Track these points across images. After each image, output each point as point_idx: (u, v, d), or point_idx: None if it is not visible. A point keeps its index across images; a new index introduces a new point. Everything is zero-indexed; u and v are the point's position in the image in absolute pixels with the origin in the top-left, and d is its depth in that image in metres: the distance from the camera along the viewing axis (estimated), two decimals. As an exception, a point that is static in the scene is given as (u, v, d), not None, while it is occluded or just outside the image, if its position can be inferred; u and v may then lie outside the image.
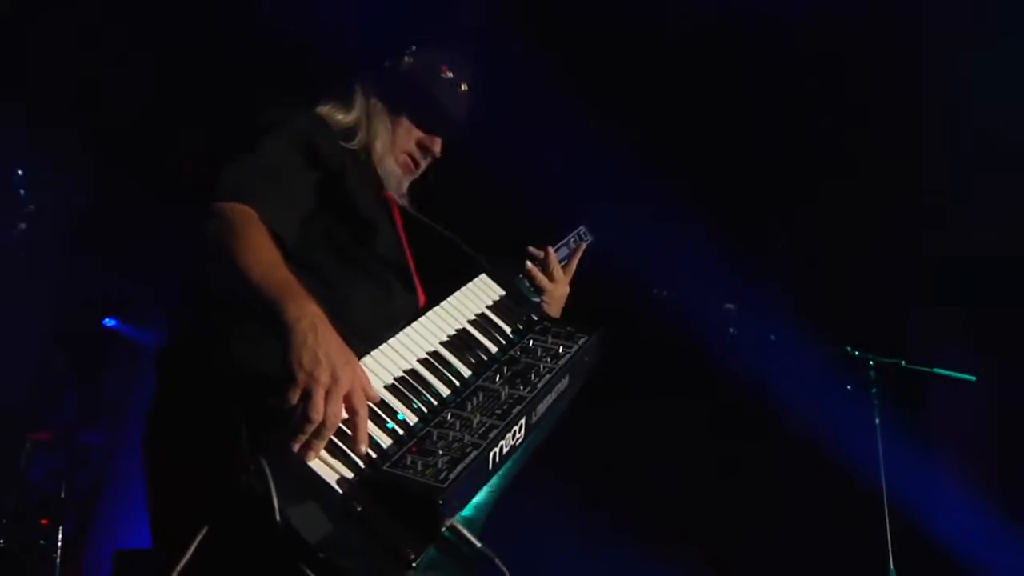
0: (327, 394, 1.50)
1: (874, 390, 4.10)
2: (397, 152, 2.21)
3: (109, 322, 6.04)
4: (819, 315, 4.57)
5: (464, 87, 2.28)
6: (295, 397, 1.49)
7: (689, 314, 4.24)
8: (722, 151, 4.90)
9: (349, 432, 1.56)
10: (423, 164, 2.29)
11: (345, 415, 1.54)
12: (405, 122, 2.22)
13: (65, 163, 5.17)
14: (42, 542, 4.50)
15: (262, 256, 1.67)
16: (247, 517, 1.43)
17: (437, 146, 2.25)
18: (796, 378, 4.49)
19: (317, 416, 1.48)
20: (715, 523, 4.91)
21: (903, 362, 4.15)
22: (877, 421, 4.05)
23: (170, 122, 5.09)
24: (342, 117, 2.17)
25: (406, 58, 2.23)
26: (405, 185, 2.27)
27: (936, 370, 4.13)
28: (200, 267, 1.84)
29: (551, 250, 2.34)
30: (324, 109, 2.17)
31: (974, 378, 4.06)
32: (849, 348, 4.18)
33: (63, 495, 4.69)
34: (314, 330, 1.55)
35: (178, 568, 1.45)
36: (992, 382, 4.34)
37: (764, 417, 4.75)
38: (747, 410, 4.82)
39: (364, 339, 1.84)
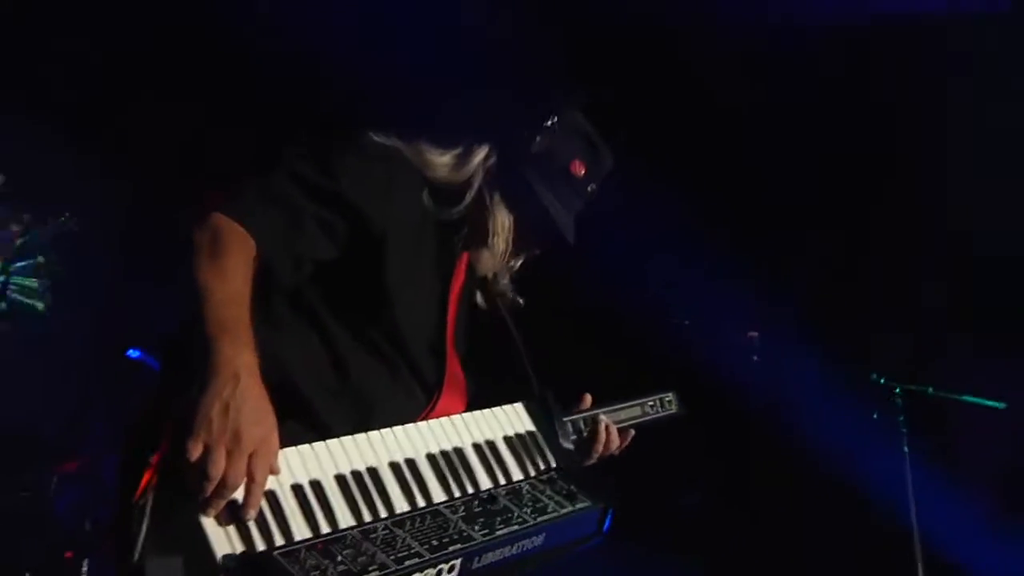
0: (228, 453, 1.40)
1: (901, 418, 4.05)
2: (501, 242, 2.03)
3: (133, 353, 6.07)
4: (844, 343, 4.53)
5: (591, 188, 2.09)
6: (195, 448, 1.39)
7: (712, 343, 4.21)
8: (743, 176, 4.89)
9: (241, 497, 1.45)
10: (516, 258, 2.14)
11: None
12: (517, 218, 2.04)
13: (91, 191, 5.22)
14: None
15: (227, 285, 1.58)
16: (120, 543, 1.39)
17: (537, 251, 2.11)
18: (821, 406, 4.44)
19: (216, 473, 1.39)
20: (739, 554, 4.85)
21: (931, 389, 4.09)
22: (906, 449, 4.00)
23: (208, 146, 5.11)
24: (447, 173, 1.99)
25: (539, 138, 2.01)
26: (501, 272, 2.14)
27: (965, 397, 4.07)
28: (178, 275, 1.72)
29: (612, 426, 2.10)
30: (430, 156, 1.99)
31: (1003, 405, 3.99)
32: (875, 375, 4.14)
33: (88, 527, 4.70)
34: (236, 381, 1.45)
35: None
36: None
37: (789, 446, 4.69)
38: (772, 439, 4.76)
39: (353, 413, 1.77)
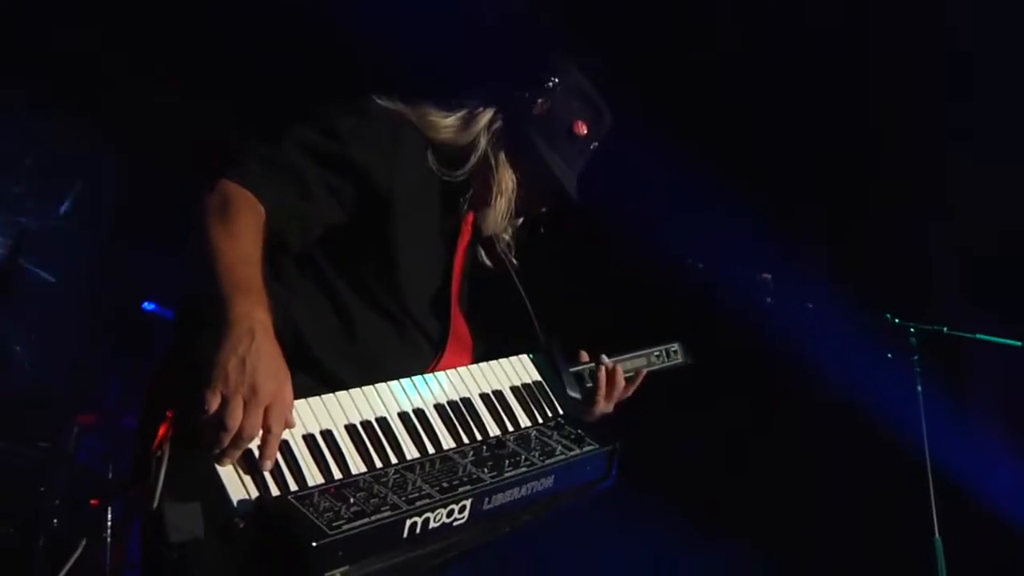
0: (245, 404, 1.44)
1: (916, 357, 4.04)
2: (506, 200, 2.06)
3: (148, 306, 6.11)
4: (858, 283, 4.52)
5: (593, 146, 2.12)
6: (213, 400, 1.44)
7: (724, 285, 4.20)
8: (758, 121, 4.84)
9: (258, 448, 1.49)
10: (519, 217, 2.17)
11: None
12: (521, 176, 2.07)
13: (104, 145, 5.23)
14: (93, 523, 4.59)
15: (238, 246, 1.62)
16: (141, 492, 1.43)
17: (541, 210, 2.13)
18: (835, 347, 4.45)
19: (233, 424, 1.43)
20: (756, 493, 4.90)
21: (945, 329, 4.08)
22: (919, 388, 4.00)
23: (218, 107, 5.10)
24: (452, 135, 2.03)
25: (541, 101, 2.04)
26: (504, 232, 2.16)
27: (980, 336, 4.06)
28: (187, 239, 1.75)
29: (620, 371, 2.14)
30: (434, 118, 2.02)
31: (1020, 343, 3.98)
32: (889, 316, 4.13)
33: (111, 476, 4.78)
34: (251, 336, 1.49)
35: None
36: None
37: (804, 387, 4.71)
38: (786, 380, 4.78)
39: (362, 370, 1.80)
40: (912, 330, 4.08)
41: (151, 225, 5.68)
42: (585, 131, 2.07)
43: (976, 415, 4.62)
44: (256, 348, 1.48)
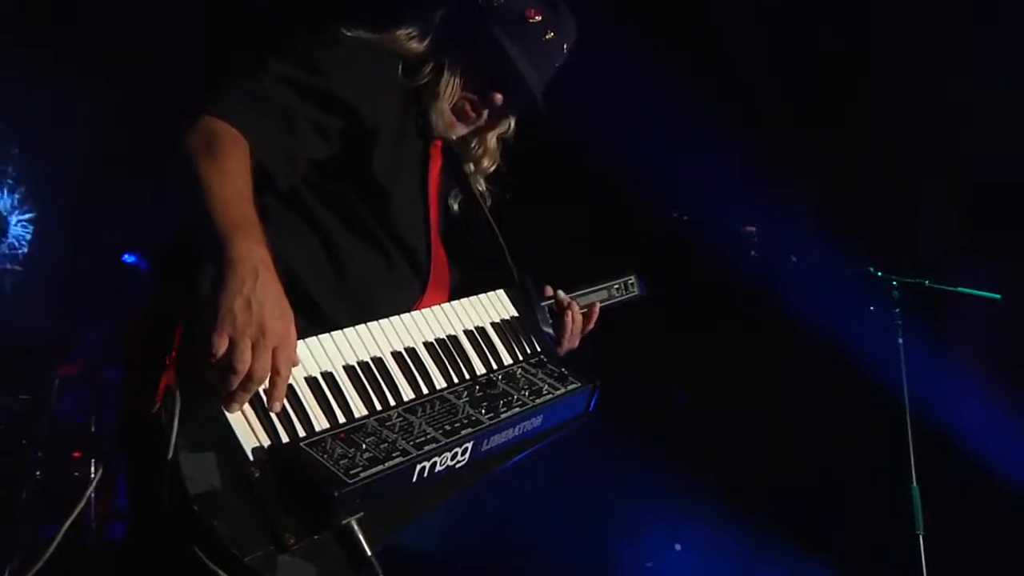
0: (254, 346, 1.41)
1: (897, 310, 4.06)
2: (454, 96, 2.02)
3: (128, 258, 6.05)
4: (841, 236, 4.52)
5: (550, 35, 2.05)
6: (221, 343, 1.40)
7: (709, 237, 4.20)
8: (744, 72, 4.80)
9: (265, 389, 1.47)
10: (480, 118, 2.09)
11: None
12: (473, 66, 2.03)
13: (82, 97, 5.14)
14: (76, 474, 4.59)
15: (230, 183, 1.57)
16: (148, 444, 1.39)
17: (497, 100, 2.05)
18: (818, 299, 4.47)
19: (242, 367, 1.40)
20: (738, 442, 4.95)
21: (927, 282, 4.10)
22: (900, 341, 4.02)
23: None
24: (415, 44, 2.01)
25: None
26: (456, 132, 2.09)
27: (960, 289, 4.08)
28: (169, 179, 1.70)
29: (575, 307, 2.15)
30: (399, 33, 2.01)
31: (1000, 296, 4.00)
32: (872, 268, 4.14)
33: (93, 429, 4.76)
34: (255, 276, 1.45)
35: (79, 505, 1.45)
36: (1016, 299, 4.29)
37: (787, 338, 4.74)
38: (770, 331, 4.81)
39: (353, 306, 1.79)
40: (895, 283, 4.09)
41: (133, 175, 5.62)
42: (538, 17, 2.03)
43: (956, 368, 4.66)
44: (261, 287, 1.44)
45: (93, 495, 4.51)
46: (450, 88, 2.02)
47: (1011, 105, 4.51)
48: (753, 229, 4.17)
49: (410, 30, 2.03)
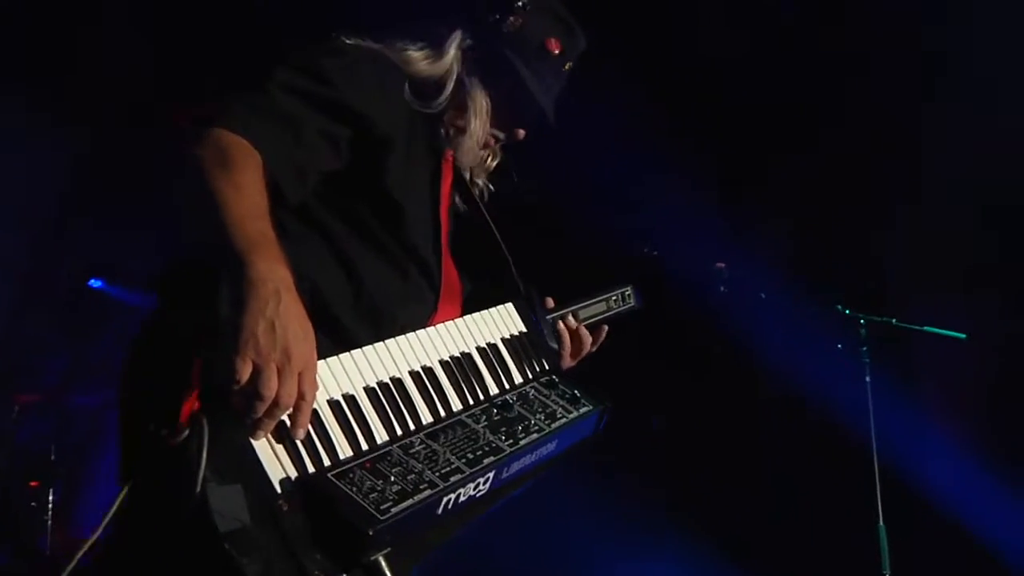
0: (279, 371, 1.36)
1: (865, 348, 4.10)
2: (480, 131, 2.00)
3: (95, 283, 5.97)
4: (810, 273, 4.56)
5: (568, 67, 2.07)
6: (245, 369, 1.34)
7: (679, 273, 4.22)
8: (713, 108, 4.85)
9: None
10: (497, 145, 2.10)
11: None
12: (498, 106, 2.01)
13: (50, 117, 5.07)
14: (33, 504, 4.49)
15: (246, 198, 1.50)
16: (172, 474, 1.33)
17: (519, 135, 2.06)
18: (787, 336, 4.49)
19: (269, 393, 1.34)
20: (705, 481, 4.94)
21: (894, 320, 4.15)
22: (868, 379, 4.06)
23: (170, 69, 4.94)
24: (427, 66, 1.96)
25: (512, 18, 1.99)
26: (477, 160, 2.09)
27: (927, 328, 4.13)
28: (177, 195, 1.62)
29: (582, 329, 2.15)
30: (408, 52, 1.95)
31: (965, 336, 4.05)
32: (840, 306, 4.18)
33: (53, 457, 4.68)
34: (277, 297, 1.38)
35: (98, 531, 1.37)
36: (984, 337, 4.34)
37: (755, 375, 4.75)
38: (738, 368, 4.82)
39: (370, 322, 1.77)
40: (862, 321, 4.14)
41: (99, 200, 5.56)
42: (558, 49, 2.03)
43: (924, 406, 4.69)
44: (284, 309, 1.38)
45: (50, 523, 4.42)
46: (480, 128, 2.00)
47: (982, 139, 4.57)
48: (723, 266, 4.20)
49: (423, 50, 1.97)
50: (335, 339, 1.70)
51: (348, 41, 1.91)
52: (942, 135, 4.72)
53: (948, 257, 4.81)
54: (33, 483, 4.53)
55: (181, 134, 1.64)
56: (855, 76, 4.81)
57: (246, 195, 1.50)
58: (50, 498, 4.49)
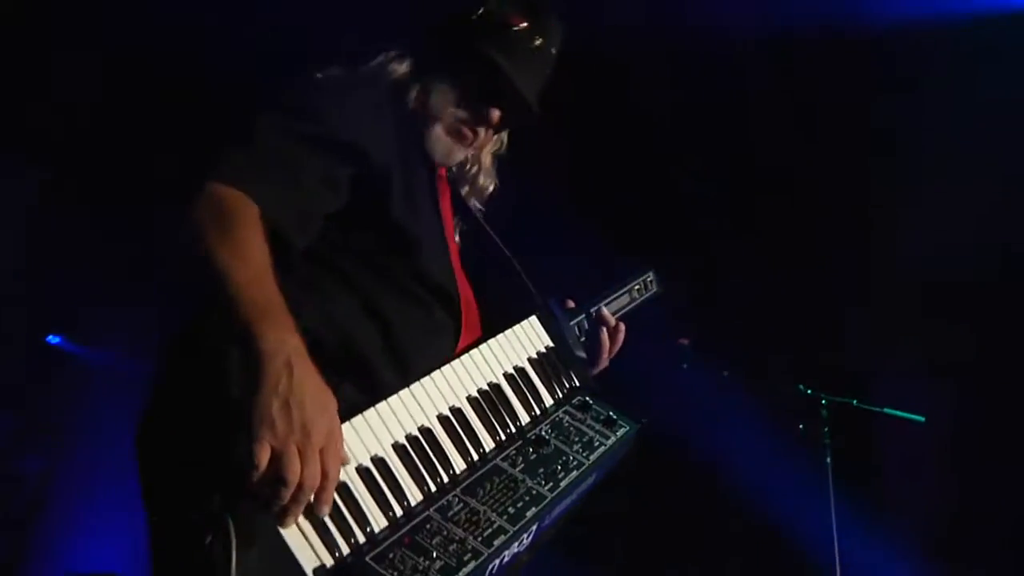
0: (300, 452, 1.28)
1: (826, 429, 4.09)
2: (448, 117, 1.90)
3: (52, 339, 5.83)
4: (772, 352, 4.56)
5: (539, 42, 1.94)
6: (263, 454, 1.26)
7: (642, 346, 4.19)
8: (669, 182, 4.89)
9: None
10: (478, 137, 1.97)
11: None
12: (463, 83, 1.90)
13: (8, 167, 5.00)
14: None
15: (248, 260, 1.43)
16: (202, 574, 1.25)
17: (494, 117, 1.92)
18: (748, 415, 4.47)
19: (293, 478, 1.27)
20: (663, 560, 4.88)
21: (855, 401, 4.14)
22: (828, 460, 4.03)
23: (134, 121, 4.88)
24: (397, 67, 1.89)
25: (480, 10, 1.90)
26: (456, 157, 1.98)
27: (887, 410, 4.12)
28: (176, 257, 1.57)
29: (621, 324, 2.05)
30: (379, 59, 1.89)
31: (923, 419, 4.05)
32: (802, 386, 4.17)
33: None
34: (289, 370, 1.32)
35: None
36: (945, 416, 4.34)
37: (714, 455, 4.71)
38: (698, 448, 4.78)
39: (398, 364, 1.69)
40: (823, 401, 4.12)
41: (59, 253, 5.47)
42: (524, 24, 1.91)
43: (884, 487, 4.67)
44: (298, 383, 1.31)
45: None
46: (442, 109, 1.90)
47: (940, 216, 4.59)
48: (686, 342, 4.19)
49: (391, 52, 1.91)
50: (363, 386, 1.62)
51: (323, 74, 1.84)
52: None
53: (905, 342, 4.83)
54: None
55: (174, 190, 1.56)
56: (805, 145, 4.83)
57: (248, 256, 1.44)
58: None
